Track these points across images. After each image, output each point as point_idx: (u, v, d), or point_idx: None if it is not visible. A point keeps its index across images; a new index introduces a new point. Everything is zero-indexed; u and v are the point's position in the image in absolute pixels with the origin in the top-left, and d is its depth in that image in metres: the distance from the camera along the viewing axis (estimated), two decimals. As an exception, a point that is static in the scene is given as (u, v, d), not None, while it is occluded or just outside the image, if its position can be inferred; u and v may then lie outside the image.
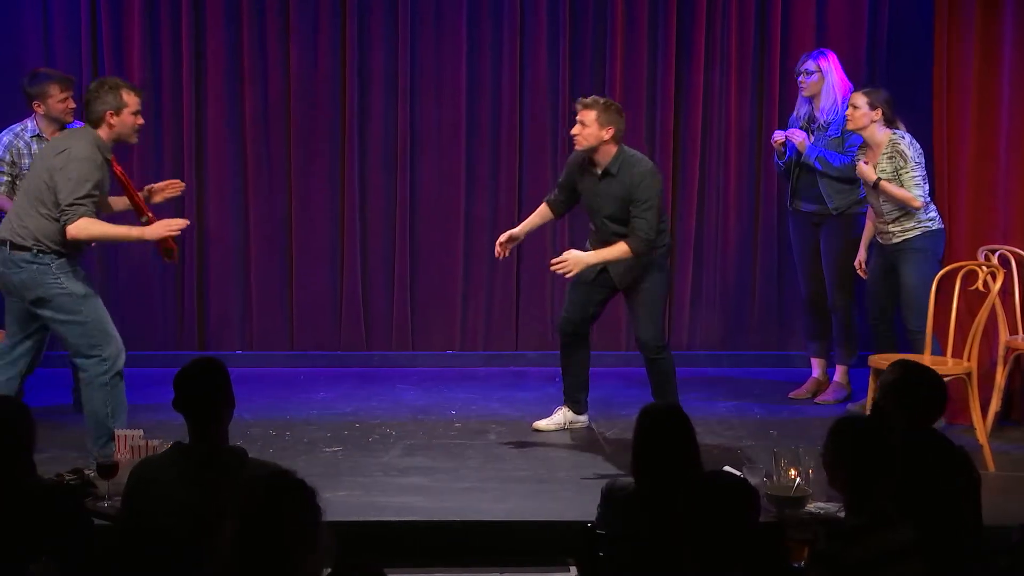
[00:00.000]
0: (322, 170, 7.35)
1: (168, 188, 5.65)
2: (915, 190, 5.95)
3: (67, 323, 5.14)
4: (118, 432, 4.99)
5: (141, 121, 5.27)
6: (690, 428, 3.66)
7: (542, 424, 6.00)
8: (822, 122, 6.45)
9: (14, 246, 5.12)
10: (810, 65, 6.46)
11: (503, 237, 5.88)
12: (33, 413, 3.61)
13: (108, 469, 4.49)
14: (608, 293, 5.88)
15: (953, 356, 5.72)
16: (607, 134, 5.59)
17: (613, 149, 5.63)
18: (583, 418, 6.04)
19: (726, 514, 3.27)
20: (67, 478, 4.58)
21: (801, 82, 6.49)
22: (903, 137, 6.03)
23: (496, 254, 5.91)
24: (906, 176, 5.95)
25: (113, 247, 7.03)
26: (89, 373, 5.20)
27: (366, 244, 7.42)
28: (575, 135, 5.65)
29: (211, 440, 3.69)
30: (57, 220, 5.08)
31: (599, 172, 5.67)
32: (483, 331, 7.48)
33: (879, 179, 5.99)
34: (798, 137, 6.43)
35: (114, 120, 5.15)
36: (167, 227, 5.22)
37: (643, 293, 5.73)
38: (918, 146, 6.04)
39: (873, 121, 6.02)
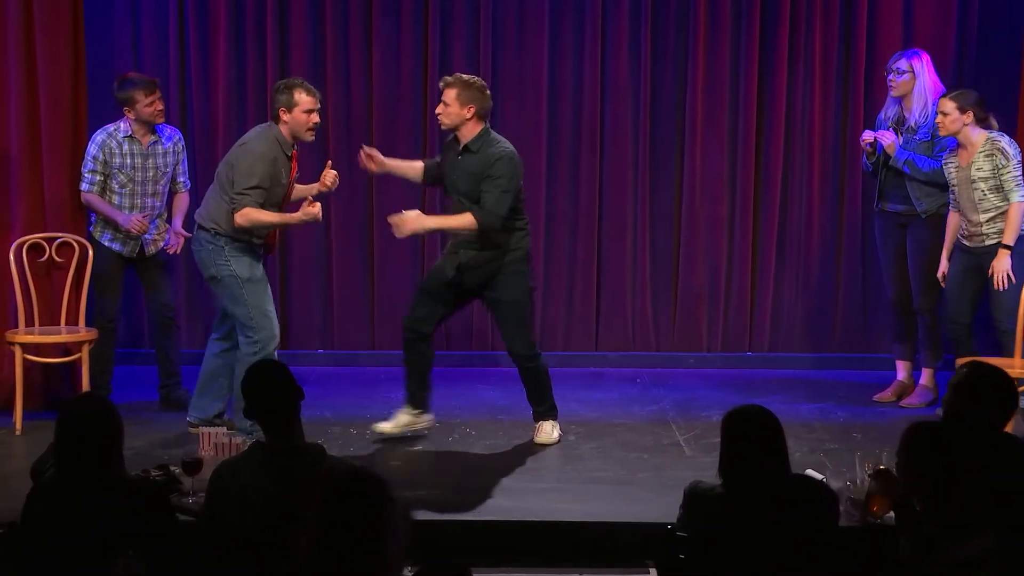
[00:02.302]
0: (403, 171, 7.38)
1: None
2: (1016, 192, 5.84)
3: (230, 302, 5.55)
4: (203, 430, 5.10)
5: (315, 119, 5.58)
6: (779, 429, 3.62)
7: (386, 427, 5.76)
8: (911, 124, 6.32)
9: (200, 226, 5.62)
10: (902, 64, 6.31)
11: (371, 150, 5.82)
12: (120, 410, 3.67)
13: (192, 465, 4.57)
14: (462, 297, 5.79)
15: (1042, 358, 5.62)
16: (468, 112, 5.56)
17: (477, 128, 5.59)
18: (428, 417, 5.82)
19: (807, 517, 3.23)
20: (153, 474, 4.67)
21: (891, 81, 6.34)
22: (1002, 135, 5.93)
23: (360, 157, 5.84)
24: (1007, 175, 5.86)
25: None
26: (241, 351, 5.58)
27: (446, 244, 7.42)
28: (438, 114, 5.65)
29: (286, 438, 3.72)
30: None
31: (460, 148, 5.64)
32: (562, 331, 7.47)
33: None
34: (887, 140, 6.29)
35: (286, 117, 5.52)
36: (304, 214, 5.54)
37: (506, 306, 5.65)
38: (1017, 146, 5.92)
39: (965, 124, 5.91)
